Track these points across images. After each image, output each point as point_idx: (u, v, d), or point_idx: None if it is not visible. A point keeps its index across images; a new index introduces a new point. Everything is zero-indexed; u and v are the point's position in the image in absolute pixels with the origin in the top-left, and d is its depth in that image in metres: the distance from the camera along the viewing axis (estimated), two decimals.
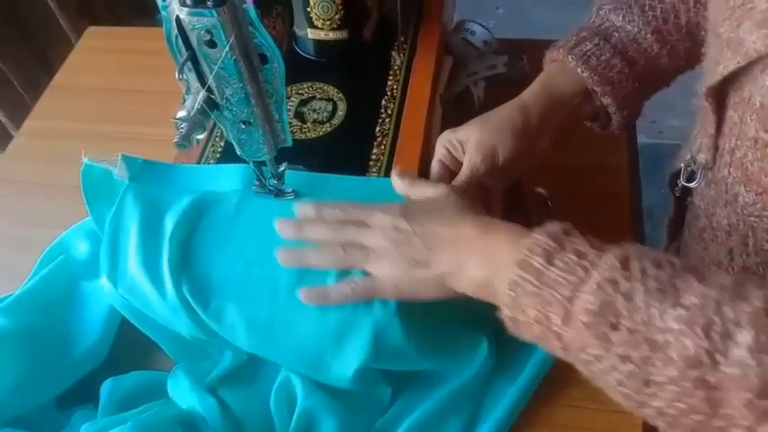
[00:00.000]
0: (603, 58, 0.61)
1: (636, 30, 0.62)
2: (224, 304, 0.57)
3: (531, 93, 0.62)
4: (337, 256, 0.55)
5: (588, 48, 0.62)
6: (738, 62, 0.45)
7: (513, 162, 0.60)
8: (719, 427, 0.39)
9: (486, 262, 0.49)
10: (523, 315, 0.45)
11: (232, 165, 0.65)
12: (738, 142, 0.49)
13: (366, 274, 0.55)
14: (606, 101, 0.62)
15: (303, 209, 0.60)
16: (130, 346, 0.65)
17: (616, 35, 0.63)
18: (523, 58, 0.85)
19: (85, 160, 0.63)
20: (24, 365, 0.60)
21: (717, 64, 0.48)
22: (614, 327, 0.41)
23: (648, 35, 0.62)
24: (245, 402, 0.60)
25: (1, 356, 0.60)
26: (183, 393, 0.60)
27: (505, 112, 0.61)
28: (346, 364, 0.55)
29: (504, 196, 0.65)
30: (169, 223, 0.59)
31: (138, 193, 0.62)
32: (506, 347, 0.61)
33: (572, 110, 0.63)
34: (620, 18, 0.63)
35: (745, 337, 0.37)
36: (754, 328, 0.37)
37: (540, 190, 0.67)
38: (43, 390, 0.62)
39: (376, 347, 0.54)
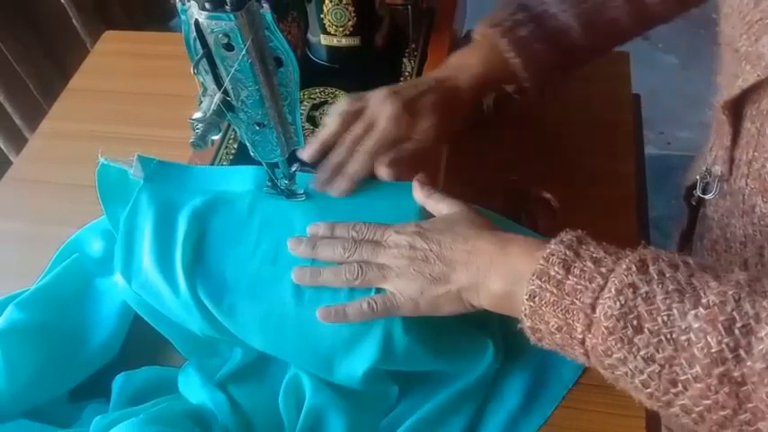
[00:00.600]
0: (536, 46, 0.65)
1: (567, 21, 0.65)
2: (236, 302, 0.57)
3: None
4: (354, 275, 0.55)
5: (522, 34, 0.64)
6: (758, 75, 0.46)
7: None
8: (746, 421, 0.39)
9: (505, 275, 0.50)
10: (544, 324, 0.46)
11: (245, 166, 0.65)
12: (756, 153, 0.50)
13: (379, 291, 0.55)
14: (527, 84, 0.66)
15: (316, 227, 0.59)
16: (142, 342, 0.66)
17: (550, 23, 0.65)
18: None
19: (102, 160, 0.64)
20: (39, 359, 0.61)
21: (735, 77, 0.49)
22: (637, 330, 0.41)
23: (577, 26, 0.65)
24: (255, 399, 0.61)
25: (16, 350, 0.61)
26: (194, 389, 0.61)
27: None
28: (356, 365, 0.56)
29: (508, 198, 0.66)
30: (182, 222, 0.60)
31: (152, 192, 0.63)
32: (512, 350, 0.62)
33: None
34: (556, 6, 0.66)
35: (766, 331, 0.38)
36: None
37: (547, 195, 0.68)
38: (57, 383, 0.63)
39: (385, 349, 0.55)
